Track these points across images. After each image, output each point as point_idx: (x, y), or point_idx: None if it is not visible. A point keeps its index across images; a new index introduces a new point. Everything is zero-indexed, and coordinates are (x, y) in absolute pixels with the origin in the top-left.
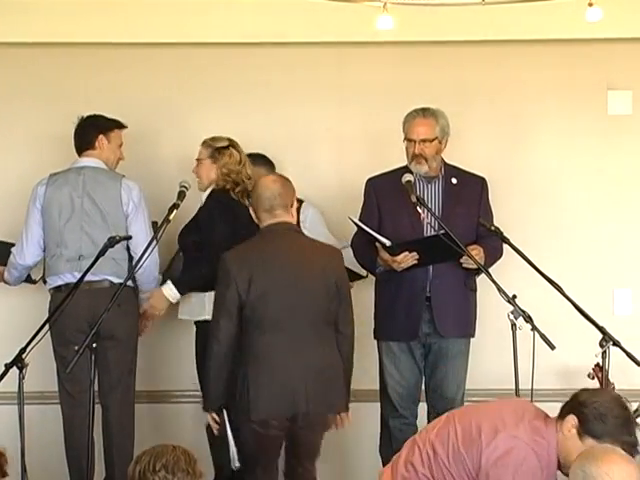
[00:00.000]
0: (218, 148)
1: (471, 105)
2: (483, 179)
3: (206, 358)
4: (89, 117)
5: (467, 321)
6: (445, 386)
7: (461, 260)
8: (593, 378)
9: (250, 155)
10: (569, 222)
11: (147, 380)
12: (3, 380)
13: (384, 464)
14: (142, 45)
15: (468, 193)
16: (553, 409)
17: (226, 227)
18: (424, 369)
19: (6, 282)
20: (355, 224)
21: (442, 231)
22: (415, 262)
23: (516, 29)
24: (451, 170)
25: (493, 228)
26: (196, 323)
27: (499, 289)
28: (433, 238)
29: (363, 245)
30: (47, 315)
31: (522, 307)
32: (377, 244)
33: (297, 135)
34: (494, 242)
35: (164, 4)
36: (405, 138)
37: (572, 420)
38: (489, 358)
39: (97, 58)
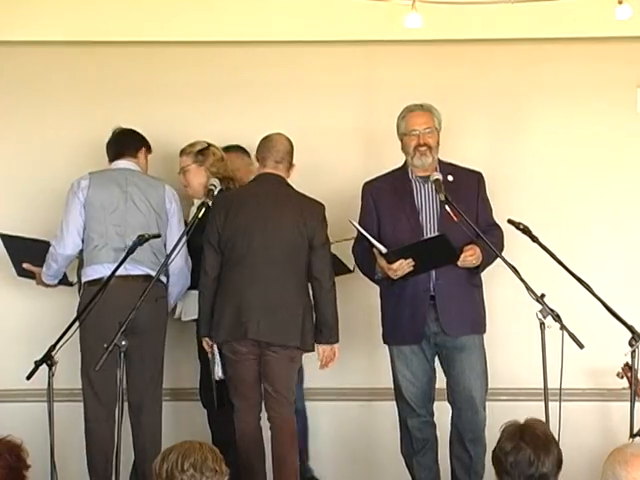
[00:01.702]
0: (200, 151)
1: (501, 103)
2: (479, 174)
3: (199, 287)
4: (131, 130)
5: (474, 318)
6: (465, 380)
7: (458, 263)
8: (622, 377)
9: (230, 147)
10: (598, 220)
11: (169, 377)
12: (32, 377)
13: (407, 464)
14: (174, 44)
15: (465, 190)
16: (581, 409)
17: None
18: (443, 369)
19: (44, 282)
20: (355, 228)
21: (436, 233)
22: (411, 269)
23: (545, 27)
24: (447, 167)
25: (522, 227)
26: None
27: (527, 288)
28: (429, 240)
29: (363, 251)
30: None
31: (550, 306)
32: (374, 250)
33: (326, 134)
34: (493, 238)
35: (194, 1)
36: (405, 133)
37: None
38: (512, 357)
39: (125, 58)
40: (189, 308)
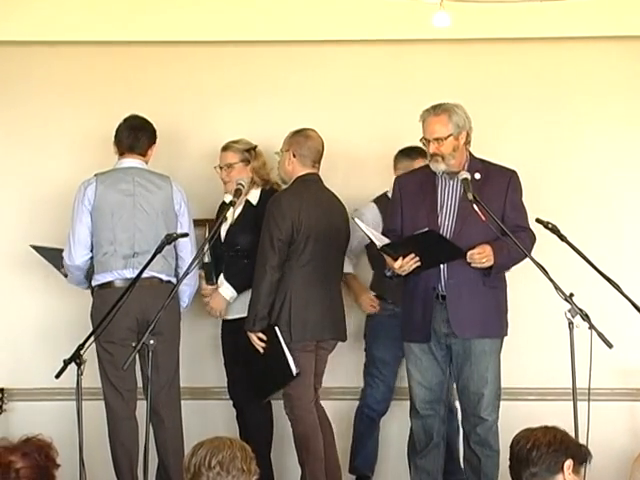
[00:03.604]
0: (247, 150)
1: (532, 101)
2: (512, 173)
3: (257, 283)
4: (144, 120)
5: (487, 321)
6: (472, 385)
7: (468, 260)
8: None
9: (407, 149)
10: (628, 219)
11: (188, 376)
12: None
13: (409, 465)
14: (185, 44)
15: (491, 188)
16: (610, 408)
17: None
18: (453, 371)
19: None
20: (357, 225)
21: (425, 229)
22: (419, 264)
23: (574, 26)
24: (477, 165)
25: (550, 226)
26: (225, 321)
27: (556, 287)
28: (419, 236)
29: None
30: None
31: (579, 305)
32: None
33: (352, 133)
34: (517, 240)
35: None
36: (421, 138)
37: (569, 464)
38: (540, 356)
39: (135, 58)
40: (234, 306)
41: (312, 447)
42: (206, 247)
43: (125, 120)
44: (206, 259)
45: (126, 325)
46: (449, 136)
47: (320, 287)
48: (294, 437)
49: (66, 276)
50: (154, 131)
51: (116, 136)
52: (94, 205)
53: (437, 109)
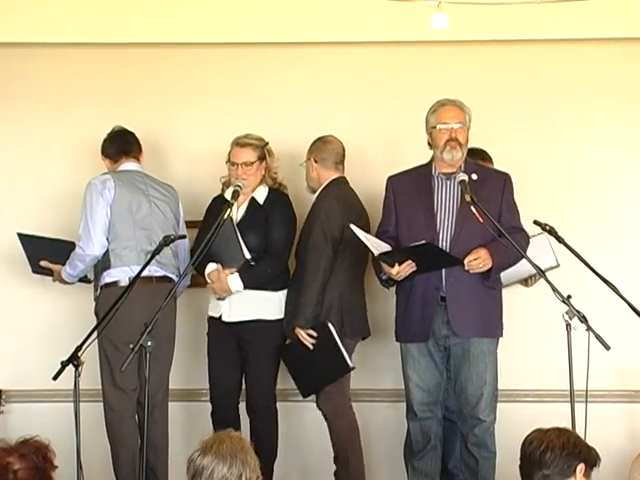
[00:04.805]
0: (264, 147)
1: (528, 103)
2: (506, 175)
3: (311, 281)
4: (129, 130)
5: (487, 320)
6: (470, 387)
7: (466, 268)
8: None
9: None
10: (626, 220)
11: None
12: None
13: (406, 467)
14: (182, 45)
15: (488, 190)
16: (608, 410)
17: (287, 231)
18: (450, 372)
19: (64, 280)
20: (352, 231)
21: (423, 241)
22: (414, 269)
23: (571, 28)
24: (472, 166)
25: (548, 228)
26: (222, 323)
27: (553, 289)
28: (417, 247)
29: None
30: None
31: (577, 307)
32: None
33: (350, 135)
34: (517, 242)
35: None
36: (434, 127)
37: (582, 468)
38: (538, 358)
39: (131, 59)
40: (235, 309)
41: (356, 442)
42: (200, 247)
43: (110, 133)
44: (247, 255)
45: (139, 325)
46: (465, 126)
47: (359, 285)
48: (334, 435)
49: (35, 272)
50: (138, 140)
51: (106, 148)
52: (114, 199)
53: (454, 101)
